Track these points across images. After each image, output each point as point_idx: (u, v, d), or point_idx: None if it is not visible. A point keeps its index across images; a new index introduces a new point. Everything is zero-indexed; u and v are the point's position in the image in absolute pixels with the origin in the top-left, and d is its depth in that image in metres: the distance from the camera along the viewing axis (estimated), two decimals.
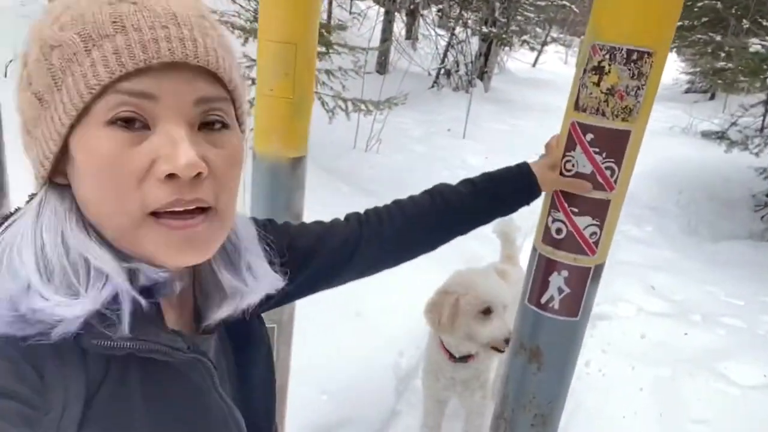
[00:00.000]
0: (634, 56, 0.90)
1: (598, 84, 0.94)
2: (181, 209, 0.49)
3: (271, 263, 0.65)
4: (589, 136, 0.97)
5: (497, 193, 0.99)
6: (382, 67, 9.87)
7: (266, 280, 0.63)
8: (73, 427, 0.45)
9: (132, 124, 0.48)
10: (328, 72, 4.31)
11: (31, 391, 0.44)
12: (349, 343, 2.80)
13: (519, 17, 11.14)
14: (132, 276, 0.50)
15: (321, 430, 2.30)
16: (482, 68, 10.32)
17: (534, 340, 1.12)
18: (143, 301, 0.49)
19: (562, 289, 1.07)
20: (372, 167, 5.45)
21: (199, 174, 0.48)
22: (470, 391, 2.07)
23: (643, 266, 4.13)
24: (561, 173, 1.02)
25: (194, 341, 0.57)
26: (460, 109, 7.69)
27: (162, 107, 0.48)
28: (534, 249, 1.11)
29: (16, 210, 0.52)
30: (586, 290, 1.07)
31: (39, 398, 0.45)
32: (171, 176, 0.47)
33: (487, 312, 1.83)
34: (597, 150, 0.97)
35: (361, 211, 0.94)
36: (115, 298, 0.48)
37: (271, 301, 0.68)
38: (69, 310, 0.46)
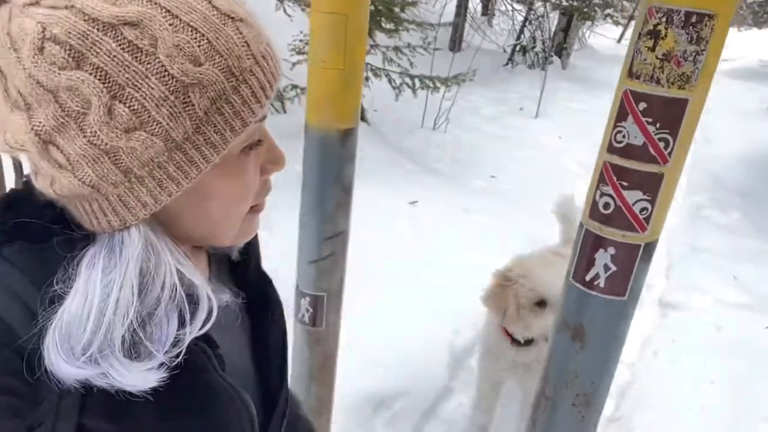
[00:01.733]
0: (693, 19, 0.84)
1: (653, 49, 0.88)
2: None
3: None
4: (642, 105, 0.92)
5: None
6: (455, 44, 9.69)
7: None
8: (74, 414, 0.46)
9: (261, 143, 0.55)
10: (396, 49, 4.29)
11: (18, 380, 0.44)
12: (407, 317, 2.83)
13: None
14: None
15: (374, 401, 2.35)
16: (561, 44, 9.88)
17: (578, 318, 1.08)
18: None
19: (609, 266, 1.02)
20: (438, 146, 5.40)
21: None
22: (532, 374, 2.03)
23: (724, 255, 3.86)
24: (610, 145, 0.97)
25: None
26: (535, 88, 7.43)
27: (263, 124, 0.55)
28: (581, 225, 1.07)
29: (67, 257, 0.47)
30: (634, 269, 1.02)
31: (28, 388, 0.44)
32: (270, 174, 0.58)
33: (541, 304, 1.78)
34: (650, 120, 0.91)
35: None
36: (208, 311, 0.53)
37: None
38: (142, 377, 0.47)
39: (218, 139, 0.46)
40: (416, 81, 4.38)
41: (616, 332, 1.08)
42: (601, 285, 1.04)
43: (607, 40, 13.76)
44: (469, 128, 6.17)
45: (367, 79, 4.75)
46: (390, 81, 4.49)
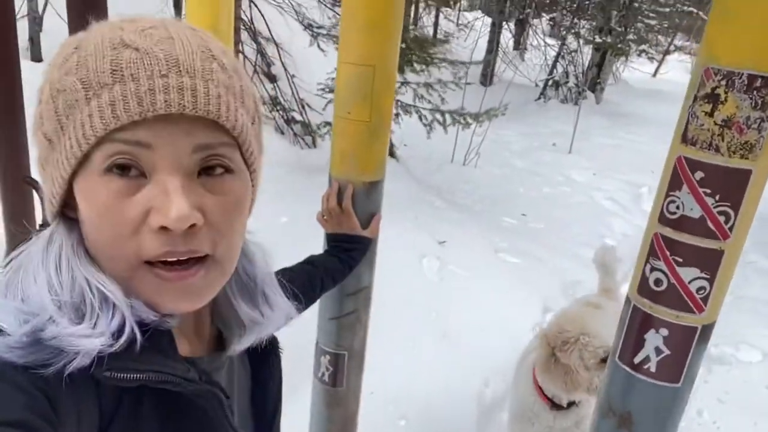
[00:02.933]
0: (758, 83, 0.75)
1: (711, 114, 0.79)
2: (174, 260, 0.49)
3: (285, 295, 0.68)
4: (699, 175, 0.82)
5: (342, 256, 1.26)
6: (487, 78, 9.69)
7: (282, 311, 0.65)
8: None
9: (128, 171, 0.47)
10: (427, 85, 4.27)
11: (43, 421, 0.43)
12: (433, 365, 2.71)
13: (639, 25, 10.43)
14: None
15: None
16: (594, 79, 9.78)
17: (625, 405, 0.97)
18: (139, 335, 0.49)
19: (661, 349, 0.92)
20: (468, 182, 5.32)
21: (193, 225, 0.47)
22: None
23: None
24: (662, 215, 0.88)
25: (208, 368, 0.58)
26: (568, 123, 7.31)
27: (158, 156, 0.47)
28: (628, 300, 0.97)
29: (29, 238, 0.53)
30: (690, 353, 0.91)
31: (51, 429, 0.44)
32: (164, 228, 0.47)
33: (605, 360, 1.64)
34: (708, 191, 0.82)
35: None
36: (120, 330, 0.48)
37: None
38: (89, 342, 0.46)
39: (70, 146, 0.48)
40: (447, 117, 4.33)
41: (668, 422, 0.96)
42: (652, 369, 0.93)
43: (642, 74, 13.59)
44: (500, 163, 6.08)
45: (397, 115, 4.74)
46: (421, 118, 4.46)
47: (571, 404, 1.81)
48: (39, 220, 0.57)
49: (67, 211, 0.53)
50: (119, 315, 0.48)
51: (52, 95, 0.49)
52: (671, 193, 0.86)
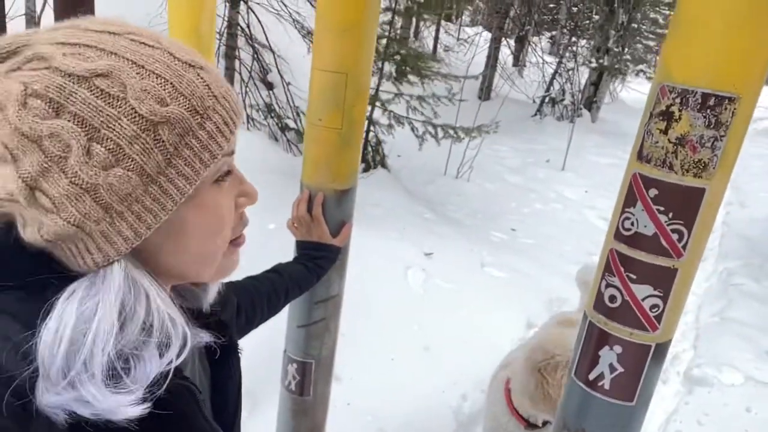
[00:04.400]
0: (711, 101, 0.75)
1: (665, 132, 0.79)
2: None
3: None
4: (653, 192, 0.82)
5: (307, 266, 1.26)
6: (485, 93, 9.74)
7: None
8: None
9: (225, 175, 0.56)
10: (420, 98, 4.28)
11: (13, 421, 0.44)
12: (413, 378, 2.69)
13: (638, 45, 10.51)
14: None
15: None
16: (591, 97, 9.83)
17: (580, 422, 0.96)
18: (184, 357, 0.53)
19: (615, 366, 0.91)
20: (459, 195, 5.32)
21: None
22: None
23: (758, 327, 3.63)
24: (618, 232, 0.87)
25: (182, 368, 0.58)
26: (563, 140, 7.34)
27: (233, 156, 0.58)
28: (585, 315, 0.96)
29: (51, 301, 0.48)
30: (644, 372, 0.90)
31: (22, 430, 0.44)
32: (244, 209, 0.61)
33: None
34: (661, 209, 0.82)
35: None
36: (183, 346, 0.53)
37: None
38: (131, 411, 0.48)
39: (189, 172, 0.50)
40: (439, 130, 4.34)
41: None
42: (606, 387, 0.92)
43: (639, 95, 13.67)
44: (492, 178, 6.09)
45: (390, 126, 4.75)
46: (413, 129, 4.47)
47: (546, 422, 1.79)
48: None
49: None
50: (185, 338, 0.53)
51: (145, 128, 0.47)
52: (626, 210, 0.86)
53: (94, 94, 0.46)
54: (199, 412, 0.56)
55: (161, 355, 0.50)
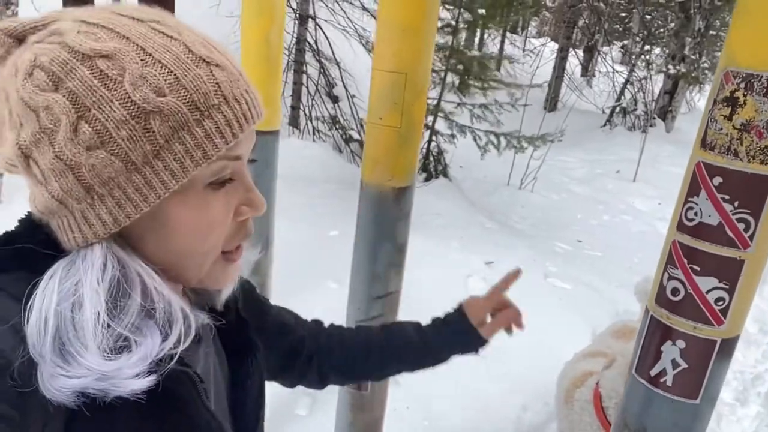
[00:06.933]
0: None
1: (729, 118, 0.77)
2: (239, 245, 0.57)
3: None
4: (717, 180, 0.80)
5: (432, 342, 0.95)
6: (550, 104, 9.55)
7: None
8: None
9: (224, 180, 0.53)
10: (483, 106, 4.27)
11: (9, 406, 0.44)
12: (472, 386, 2.66)
13: (717, 53, 9.99)
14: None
15: None
16: (666, 107, 9.41)
17: (641, 421, 0.94)
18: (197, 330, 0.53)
19: (678, 362, 0.88)
20: (523, 206, 5.23)
21: None
22: None
23: None
24: (680, 222, 0.85)
25: (184, 355, 0.56)
26: (634, 150, 7.06)
27: (242, 163, 0.54)
28: (647, 310, 0.94)
29: (36, 282, 0.48)
30: (709, 368, 0.87)
31: (19, 415, 0.44)
32: (244, 220, 0.56)
33: None
34: (726, 197, 0.79)
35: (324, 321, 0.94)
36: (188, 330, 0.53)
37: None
38: (136, 384, 0.47)
39: (178, 167, 0.48)
40: (502, 139, 4.30)
41: None
42: (669, 383, 0.89)
43: None
44: (558, 189, 5.95)
45: (452, 136, 4.75)
46: (475, 138, 4.46)
47: None
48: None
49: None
50: (189, 320, 0.53)
51: (136, 115, 0.46)
52: (690, 200, 0.84)
53: (93, 73, 0.46)
54: (199, 399, 0.55)
55: (165, 337, 0.50)
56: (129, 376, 0.46)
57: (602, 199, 5.86)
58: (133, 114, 0.46)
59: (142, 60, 0.47)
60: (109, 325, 0.47)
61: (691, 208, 0.84)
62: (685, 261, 0.85)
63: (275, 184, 1.97)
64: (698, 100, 12.33)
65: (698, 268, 0.84)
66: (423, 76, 1.27)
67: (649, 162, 6.92)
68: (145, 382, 0.47)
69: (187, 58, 0.48)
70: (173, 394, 0.52)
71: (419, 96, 1.28)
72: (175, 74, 0.47)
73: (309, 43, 5.65)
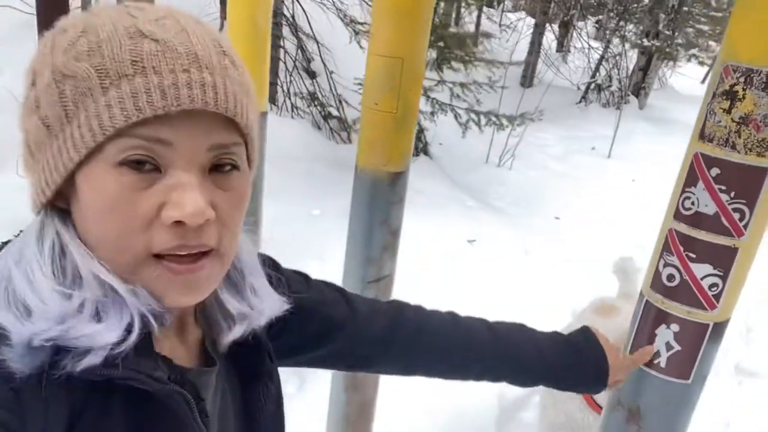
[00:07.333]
0: None
1: (728, 111, 0.80)
2: (184, 253, 0.48)
3: (274, 288, 0.64)
4: (714, 171, 0.83)
5: (554, 366, 0.88)
6: (527, 80, 9.58)
7: (271, 301, 0.62)
8: None
9: (143, 165, 0.46)
10: (462, 85, 4.27)
11: (8, 413, 0.43)
12: None
13: (689, 29, 10.11)
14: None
15: None
16: (639, 83, 9.54)
17: (635, 399, 0.98)
18: (155, 327, 0.48)
19: (672, 345, 0.92)
20: (502, 184, 5.29)
21: (206, 220, 0.48)
22: None
23: None
24: (677, 211, 0.88)
25: (195, 380, 0.55)
26: (609, 127, 7.17)
27: (176, 153, 0.47)
28: (641, 295, 0.97)
29: (6, 242, 0.51)
30: (701, 350, 0.91)
31: (17, 421, 0.43)
32: (177, 222, 0.47)
33: None
34: (723, 188, 0.82)
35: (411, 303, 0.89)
36: (131, 324, 0.47)
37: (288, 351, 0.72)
38: (103, 339, 0.45)
39: (78, 137, 0.46)
40: (482, 118, 4.32)
41: (677, 419, 0.96)
42: (662, 365, 0.93)
43: (690, 81, 13.19)
44: (535, 166, 6.02)
45: (432, 113, 4.75)
46: (456, 117, 4.46)
47: None
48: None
49: (58, 202, 0.51)
50: (128, 309, 0.47)
51: (56, 79, 0.46)
52: (687, 189, 0.87)
53: (50, 43, 0.48)
54: (194, 422, 0.52)
55: (99, 319, 0.47)
56: (86, 320, 0.46)
57: (578, 175, 5.95)
58: (54, 79, 0.46)
59: (83, 31, 0.47)
60: (54, 274, 0.47)
61: (688, 197, 0.86)
62: (682, 249, 0.88)
63: (263, 166, 1.95)
64: (670, 76, 12.50)
65: (694, 256, 0.87)
66: (419, 60, 1.27)
67: (623, 139, 7.03)
68: (114, 336, 0.46)
69: (125, 31, 0.46)
70: (170, 411, 0.50)
71: (415, 81, 1.28)
72: (99, 43, 0.46)
73: (286, 17, 5.53)
